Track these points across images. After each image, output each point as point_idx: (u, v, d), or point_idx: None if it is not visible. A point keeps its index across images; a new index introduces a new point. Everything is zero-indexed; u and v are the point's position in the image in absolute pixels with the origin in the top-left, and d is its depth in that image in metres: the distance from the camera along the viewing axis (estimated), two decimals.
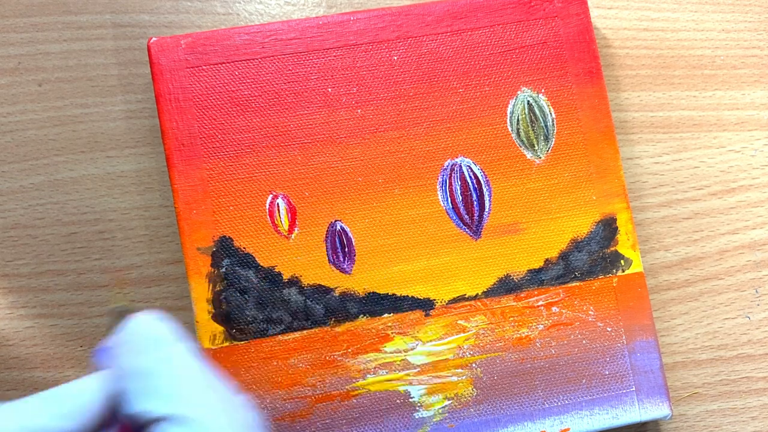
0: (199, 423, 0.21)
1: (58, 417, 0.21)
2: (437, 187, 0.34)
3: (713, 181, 0.38)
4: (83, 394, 0.22)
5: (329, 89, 0.34)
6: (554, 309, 0.33)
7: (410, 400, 0.33)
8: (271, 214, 0.33)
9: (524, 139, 0.34)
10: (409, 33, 0.34)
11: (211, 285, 0.32)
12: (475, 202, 0.34)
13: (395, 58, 0.34)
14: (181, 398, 0.21)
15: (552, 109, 0.34)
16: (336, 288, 0.33)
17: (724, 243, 0.38)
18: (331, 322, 0.33)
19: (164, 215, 0.36)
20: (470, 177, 0.34)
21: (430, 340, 0.33)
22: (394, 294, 0.33)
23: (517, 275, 0.34)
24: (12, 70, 0.36)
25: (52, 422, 0.21)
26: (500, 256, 0.34)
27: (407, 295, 0.33)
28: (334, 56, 0.34)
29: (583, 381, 0.33)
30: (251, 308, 0.32)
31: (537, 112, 0.34)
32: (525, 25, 0.35)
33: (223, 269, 0.32)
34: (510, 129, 0.34)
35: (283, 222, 0.33)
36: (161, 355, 0.22)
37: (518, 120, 0.34)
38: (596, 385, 0.33)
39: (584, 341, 0.33)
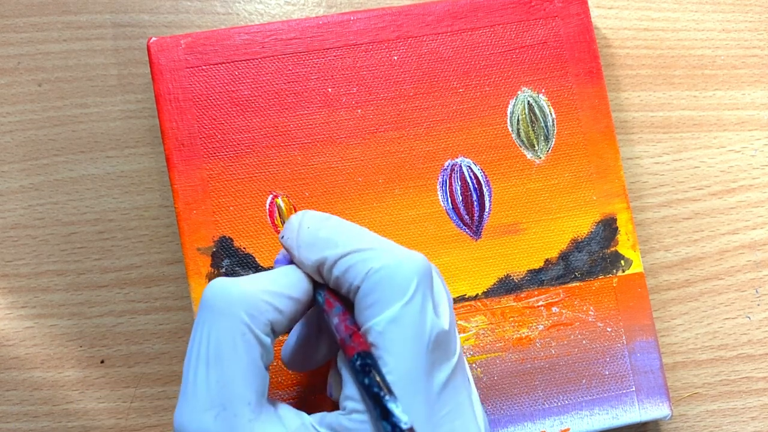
0: (381, 249, 0.25)
1: (289, 285, 0.25)
2: (437, 187, 0.34)
3: (713, 181, 0.38)
4: (294, 272, 0.26)
5: (329, 89, 0.34)
6: (554, 309, 0.33)
7: None
8: (271, 214, 0.33)
9: (524, 139, 0.34)
10: (409, 33, 0.34)
11: None
12: (475, 203, 0.34)
13: (395, 58, 0.34)
14: (358, 237, 0.25)
15: (552, 109, 0.34)
16: None
17: (725, 243, 0.38)
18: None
19: (164, 215, 0.36)
20: (470, 177, 0.34)
21: None
22: None
23: (517, 275, 0.34)
24: (12, 70, 0.36)
25: (284, 289, 0.25)
26: (500, 256, 0.34)
27: None
28: (334, 56, 0.34)
29: (583, 381, 0.33)
30: None
31: (537, 112, 0.34)
32: (525, 25, 0.35)
33: (223, 269, 0.32)
34: (510, 129, 0.34)
35: (283, 222, 0.33)
36: (327, 223, 0.26)
37: (518, 120, 0.34)
38: (596, 386, 0.33)
39: (584, 341, 0.33)
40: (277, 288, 0.25)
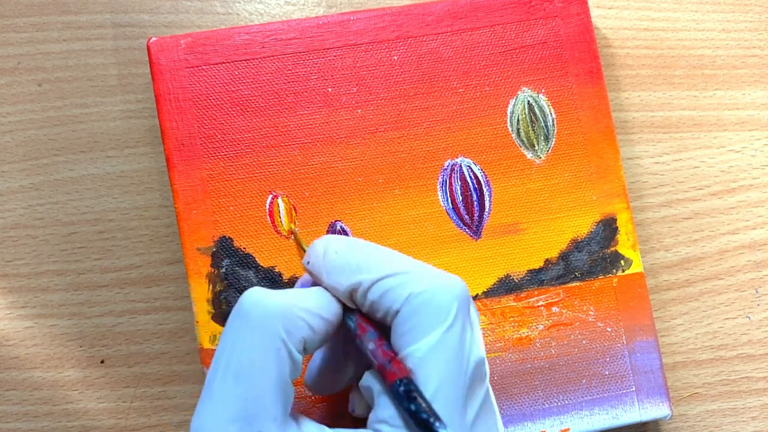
0: (418, 273, 0.24)
1: (321, 305, 0.25)
2: (437, 187, 0.34)
3: (713, 181, 0.38)
4: (325, 293, 0.26)
5: (329, 89, 0.34)
6: (554, 309, 0.33)
7: None
8: (271, 214, 0.33)
9: (524, 139, 0.34)
10: (409, 33, 0.34)
11: (211, 285, 0.32)
12: (475, 202, 0.34)
13: (395, 58, 0.34)
14: (390, 260, 0.25)
15: (552, 109, 0.34)
16: None
17: (725, 243, 0.38)
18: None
19: (164, 215, 0.36)
20: (470, 177, 0.34)
21: None
22: None
23: (517, 275, 0.34)
24: (12, 69, 0.36)
25: (317, 309, 0.25)
26: (500, 256, 0.34)
27: None
28: (334, 56, 0.34)
29: (583, 381, 0.33)
30: None
31: (537, 112, 0.34)
32: (525, 25, 0.35)
33: (223, 269, 0.32)
34: (510, 129, 0.34)
35: (283, 222, 0.33)
36: (355, 246, 0.26)
37: (518, 120, 0.34)
38: (596, 386, 0.33)
39: (584, 341, 0.33)
40: (311, 306, 0.25)
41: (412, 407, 0.22)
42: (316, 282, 0.27)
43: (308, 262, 0.27)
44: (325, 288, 0.26)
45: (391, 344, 0.25)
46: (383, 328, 0.26)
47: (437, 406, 0.23)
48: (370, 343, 0.25)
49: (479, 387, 0.24)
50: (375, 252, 0.26)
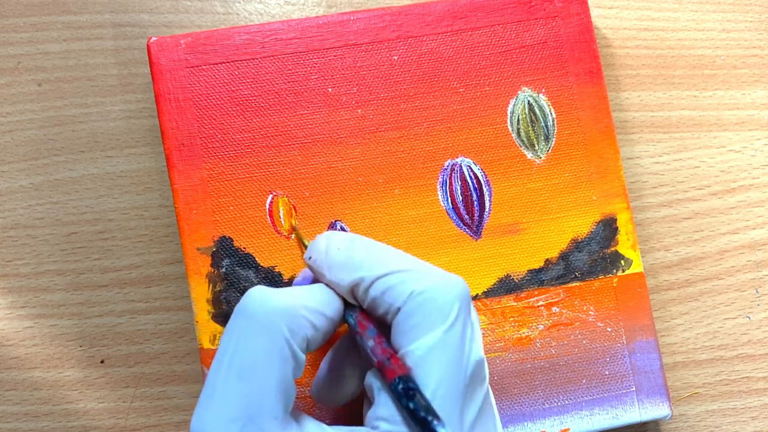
0: (420, 271, 0.24)
1: (323, 303, 0.25)
2: (437, 187, 0.34)
3: (713, 181, 0.38)
4: (326, 290, 0.26)
5: (329, 89, 0.33)
6: (554, 309, 0.33)
7: None
8: (271, 214, 0.33)
9: (524, 139, 0.34)
10: (409, 33, 0.34)
11: (211, 285, 0.32)
12: (475, 202, 0.34)
13: (395, 58, 0.34)
14: (393, 258, 0.25)
15: (552, 109, 0.34)
16: None
17: (725, 243, 0.38)
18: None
19: (164, 215, 0.36)
20: (470, 177, 0.34)
21: None
22: None
23: (518, 275, 0.34)
24: (12, 69, 0.36)
25: (319, 306, 0.25)
26: (500, 256, 0.34)
27: None
28: (334, 56, 0.34)
29: (583, 381, 0.33)
30: None
31: (537, 112, 0.34)
32: (525, 24, 0.35)
33: (223, 269, 0.32)
34: (510, 129, 0.34)
35: (283, 222, 0.33)
36: (358, 243, 0.26)
37: (518, 120, 0.34)
38: (596, 385, 0.33)
39: (584, 341, 0.33)
40: (313, 304, 0.25)
41: (411, 405, 0.22)
42: (317, 277, 0.27)
43: (310, 258, 0.27)
44: (327, 284, 0.26)
45: (392, 342, 0.25)
46: (383, 327, 0.26)
47: (436, 405, 0.23)
48: (370, 341, 0.25)
49: (479, 388, 0.24)
50: (377, 249, 0.26)
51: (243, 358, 0.23)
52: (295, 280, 0.29)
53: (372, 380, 0.25)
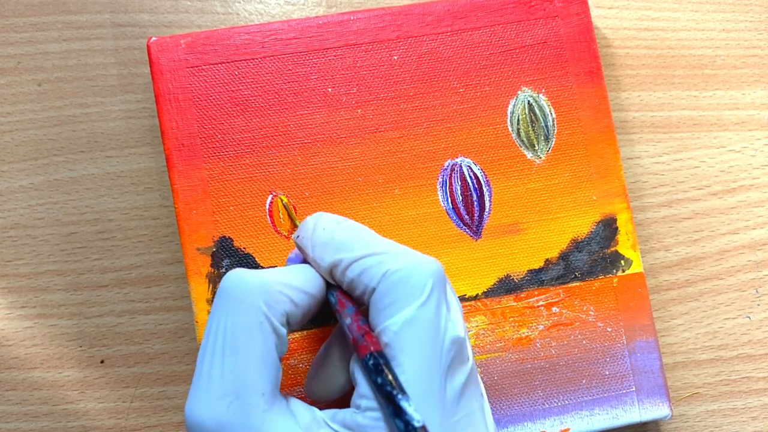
0: (396, 253, 0.25)
1: (303, 281, 0.26)
2: (437, 187, 0.34)
3: (713, 181, 0.38)
4: (309, 269, 0.26)
5: (329, 89, 0.33)
6: (554, 309, 0.33)
7: None
8: (271, 214, 0.33)
9: (524, 139, 0.34)
10: (409, 33, 0.34)
11: (211, 285, 0.32)
12: (475, 202, 0.34)
13: (395, 58, 0.34)
14: (373, 241, 0.26)
15: (552, 109, 0.34)
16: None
17: (725, 243, 0.38)
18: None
19: (164, 215, 0.36)
20: (470, 177, 0.34)
21: None
22: None
23: (518, 275, 0.34)
24: (11, 69, 0.36)
25: (300, 284, 0.25)
26: (500, 256, 0.34)
27: None
28: (334, 56, 0.34)
29: (583, 381, 0.33)
30: None
31: (537, 112, 0.34)
32: (525, 24, 0.35)
33: (223, 269, 0.32)
34: (510, 129, 0.34)
35: (283, 222, 0.33)
36: (342, 225, 0.27)
37: (518, 120, 0.34)
38: (596, 386, 0.33)
39: (584, 341, 0.33)
40: (293, 281, 0.25)
41: (378, 380, 0.23)
42: (304, 257, 0.27)
43: (298, 236, 0.27)
44: (310, 263, 0.27)
45: (369, 321, 0.25)
46: (363, 308, 0.26)
47: (409, 380, 0.23)
48: (347, 318, 0.25)
49: (459, 367, 0.24)
50: (360, 232, 0.26)
51: (225, 337, 0.23)
52: (288, 257, 0.30)
53: (354, 364, 0.25)
